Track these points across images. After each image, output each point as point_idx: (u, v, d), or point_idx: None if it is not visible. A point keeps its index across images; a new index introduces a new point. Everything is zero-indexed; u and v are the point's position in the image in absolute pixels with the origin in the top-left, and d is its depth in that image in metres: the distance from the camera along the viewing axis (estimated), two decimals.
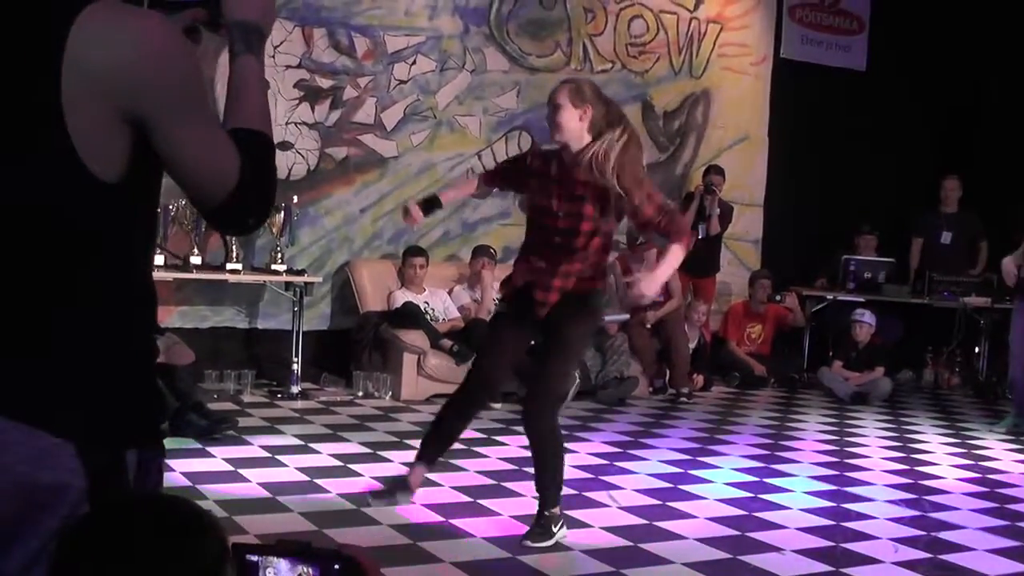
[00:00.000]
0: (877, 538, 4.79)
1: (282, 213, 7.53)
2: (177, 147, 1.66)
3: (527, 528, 4.38)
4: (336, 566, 1.68)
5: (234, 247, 7.42)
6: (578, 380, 7.48)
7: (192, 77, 1.66)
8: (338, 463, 5.63)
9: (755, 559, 4.36)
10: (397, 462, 5.68)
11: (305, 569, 1.69)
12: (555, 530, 4.30)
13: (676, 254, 4.12)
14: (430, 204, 4.58)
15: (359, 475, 5.39)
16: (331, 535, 4.30)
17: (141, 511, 1.52)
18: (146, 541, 1.46)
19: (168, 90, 1.63)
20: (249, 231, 1.81)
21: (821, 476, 5.98)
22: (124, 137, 1.64)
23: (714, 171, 9.40)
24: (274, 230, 7.57)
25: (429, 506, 4.84)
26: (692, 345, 8.82)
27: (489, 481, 5.40)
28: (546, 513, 4.29)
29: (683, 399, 8.32)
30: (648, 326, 8.52)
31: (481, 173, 4.58)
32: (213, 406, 6.41)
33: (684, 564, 4.23)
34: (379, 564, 1.77)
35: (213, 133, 1.69)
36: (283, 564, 1.69)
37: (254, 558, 1.69)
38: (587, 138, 4.08)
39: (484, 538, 4.40)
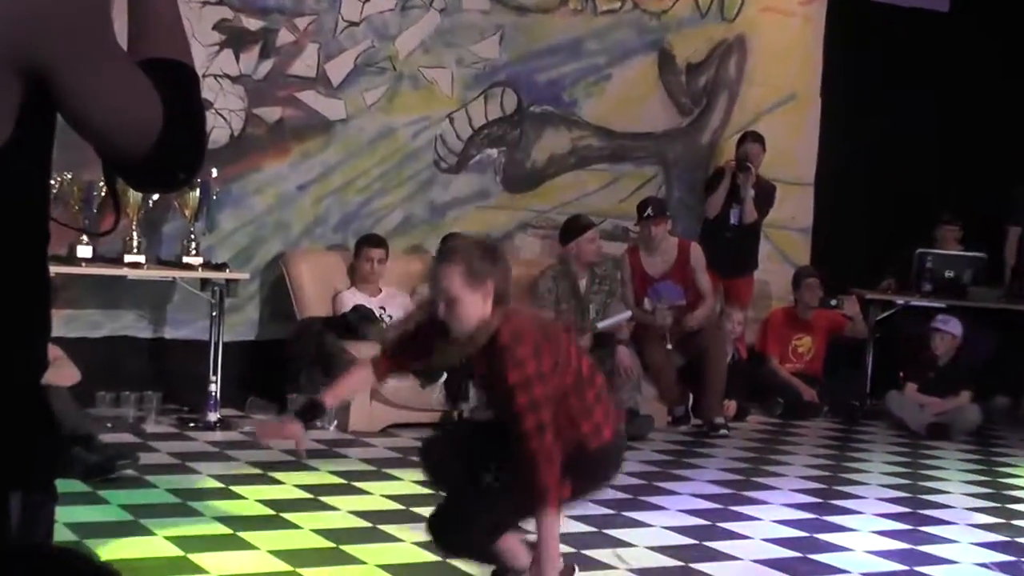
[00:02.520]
0: None
1: (197, 191, 7.51)
2: (86, 98, 1.66)
3: None
4: None
5: (135, 233, 7.40)
6: None
7: (97, 7, 1.65)
8: (269, 511, 5.61)
9: None
10: (344, 511, 5.67)
11: None
12: None
13: (547, 526, 3.98)
14: (311, 411, 4.34)
15: (296, 527, 5.37)
16: None
17: (25, 567, 1.51)
18: None
19: (70, 30, 1.62)
20: (178, 187, 1.83)
21: (888, 531, 5.98)
22: (13, 93, 1.63)
23: (751, 140, 9.42)
24: (187, 212, 7.56)
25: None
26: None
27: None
28: None
29: (719, 432, 8.32)
30: (668, 345, 8.52)
31: (374, 356, 4.47)
32: (107, 438, 6.39)
33: None
34: None
35: (127, 74, 1.69)
36: None
37: None
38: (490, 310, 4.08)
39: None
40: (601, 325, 8.30)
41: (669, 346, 8.59)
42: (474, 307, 4.01)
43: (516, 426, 3.93)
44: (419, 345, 4.27)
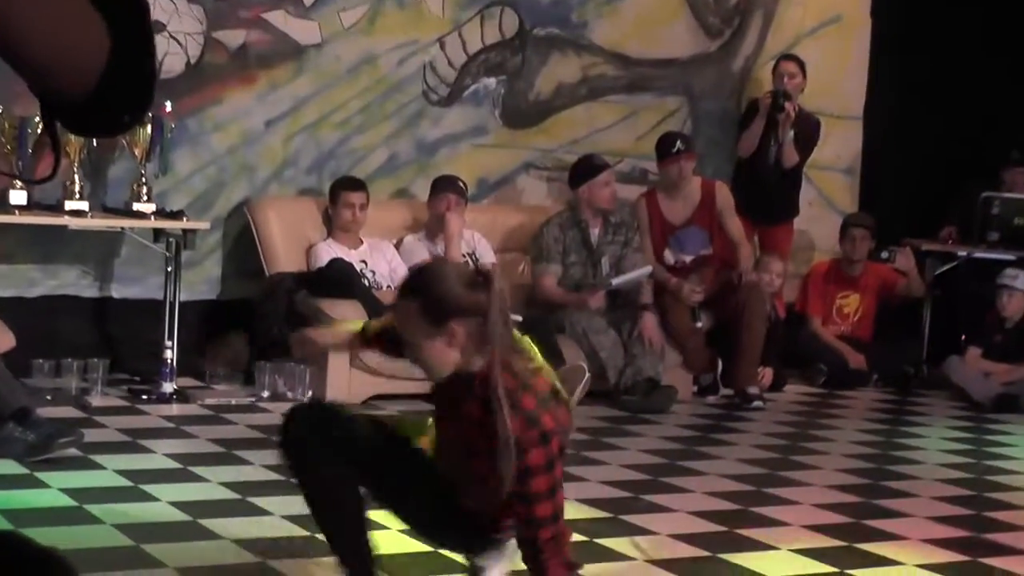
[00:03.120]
0: None
1: (148, 128, 7.49)
2: (16, 23, 1.64)
3: None
4: None
5: (76, 177, 7.39)
6: (588, 375, 7.50)
7: None
8: (234, 496, 5.63)
9: None
10: None
11: None
12: None
13: None
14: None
15: (266, 512, 5.39)
16: None
17: None
18: None
19: None
20: (123, 131, 1.81)
21: (948, 517, 5.99)
22: None
23: (790, 65, 9.38)
24: (136, 153, 7.55)
25: None
26: None
27: None
28: None
29: (753, 403, 8.34)
30: (698, 324, 8.52)
31: (356, 332, 4.40)
32: (45, 412, 6.38)
33: None
34: None
35: None
36: None
37: None
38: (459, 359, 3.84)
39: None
40: (616, 282, 8.30)
41: (699, 324, 8.60)
42: (438, 351, 3.80)
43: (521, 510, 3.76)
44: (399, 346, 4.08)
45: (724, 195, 8.82)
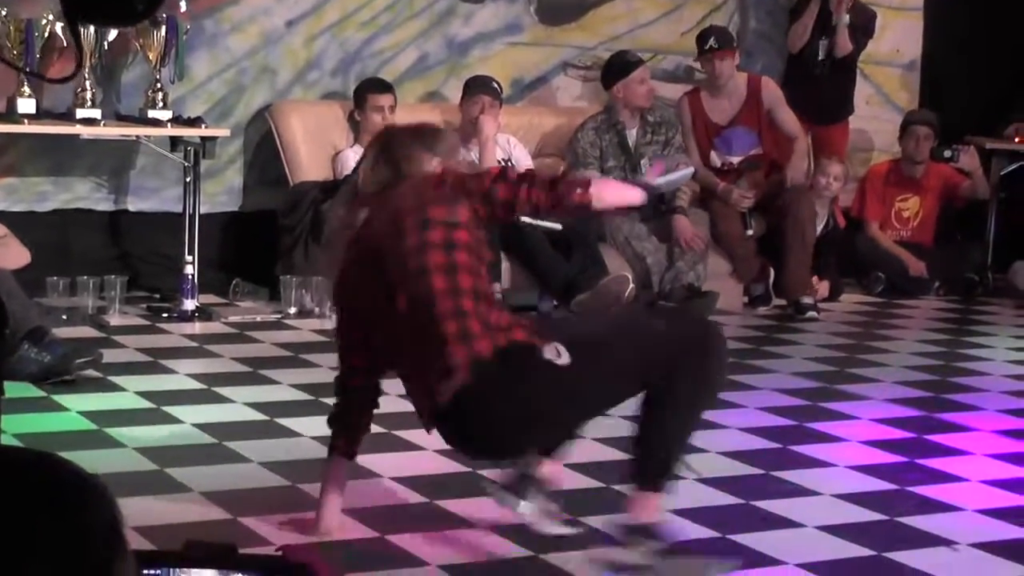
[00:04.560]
0: None
1: (163, 30, 7.48)
2: None
3: None
4: None
5: (88, 83, 7.39)
6: (632, 285, 7.51)
7: None
8: (260, 416, 5.67)
9: (913, 557, 4.39)
10: None
11: None
12: None
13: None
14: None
15: (295, 434, 5.42)
16: (250, 525, 4.33)
17: None
18: None
19: None
20: (136, 20, 1.81)
21: (1015, 431, 5.99)
22: None
23: None
24: (151, 56, 7.54)
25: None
26: (817, 231, 8.81)
27: None
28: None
29: (807, 314, 8.34)
30: (749, 231, 8.50)
31: (339, 375, 4.50)
32: (61, 332, 6.41)
33: (799, 565, 4.27)
34: (341, 570, 1.81)
35: None
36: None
37: (155, 572, 1.73)
38: None
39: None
40: (656, 182, 8.26)
41: (750, 232, 8.58)
42: None
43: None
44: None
45: (771, 90, 8.78)
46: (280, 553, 1.84)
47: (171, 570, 1.75)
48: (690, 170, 8.37)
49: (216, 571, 1.74)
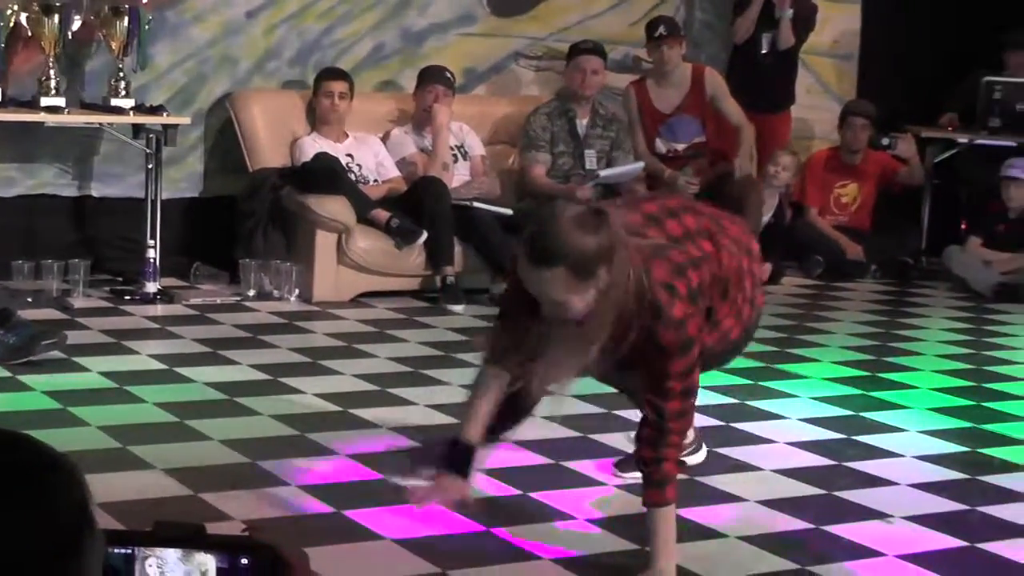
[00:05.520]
0: None
1: (126, 20, 7.45)
2: None
3: None
4: (244, 560, 1.76)
5: (52, 71, 7.34)
6: None
7: None
8: (221, 396, 5.65)
9: (849, 530, 4.42)
10: (309, 393, 5.71)
11: (204, 562, 1.76)
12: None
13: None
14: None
15: (254, 413, 5.42)
16: (210, 501, 4.34)
17: None
18: None
19: None
20: None
21: (947, 408, 6.03)
22: None
23: None
24: (114, 46, 7.50)
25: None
26: (764, 218, 8.84)
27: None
28: None
29: None
30: (692, 190, 8.51)
31: (485, 356, 4.14)
32: (26, 314, 6.37)
33: (740, 538, 4.29)
34: (306, 555, 1.82)
35: None
36: (170, 555, 1.76)
37: (123, 551, 1.75)
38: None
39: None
40: (605, 174, 8.29)
41: None
42: (583, 303, 3.71)
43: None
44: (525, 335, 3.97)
45: (714, 80, 8.80)
46: (247, 533, 1.85)
47: (141, 549, 1.76)
48: (639, 165, 8.45)
49: (185, 550, 1.75)
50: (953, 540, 4.39)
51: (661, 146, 8.75)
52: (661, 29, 8.62)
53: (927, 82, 10.02)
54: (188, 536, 1.78)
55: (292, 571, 1.78)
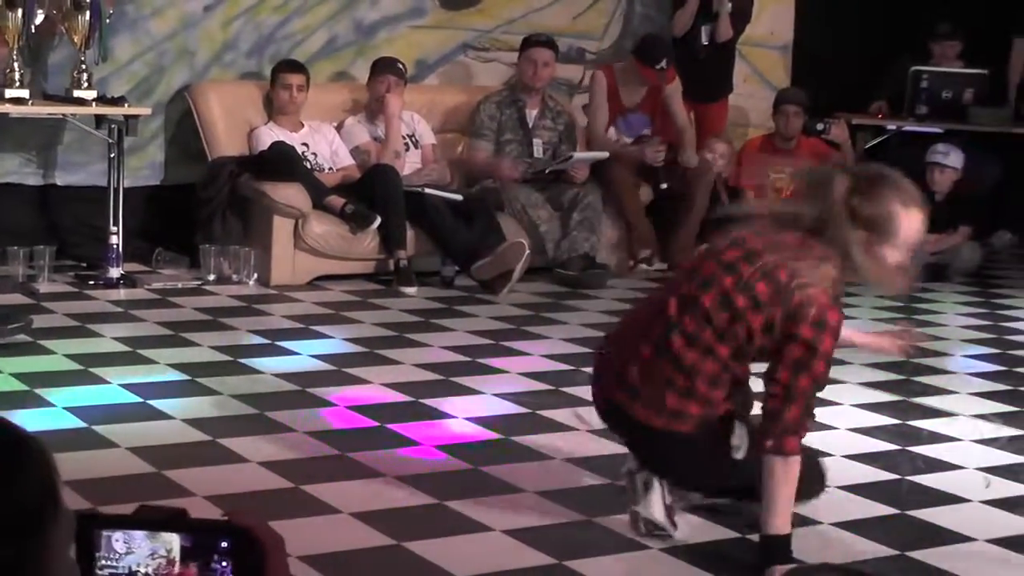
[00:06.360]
0: (960, 468, 4.92)
1: (87, 14, 7.42)
2: None
3: None
4: (224, 543, 1.77)
5: (16, 64, 7.30)
6: (528, 252, 7.55)
7: None
8: (183, 376, 5.65)
9: None
10: (268, 373, 5.72)
11: (172, 543, 1.77)
12: None
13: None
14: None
15: (215, 392, 5.42)
16: (173, 478, 4.35)
17: None
18: None
19: None
20: None
21: (877, 383, 6.10)
22: None
23: None
24: (75, 39, 7.46)
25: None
26: None
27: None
28: None
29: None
30: (663, 185, 8.51)
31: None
32: None
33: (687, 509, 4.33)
34: (281, 538, 1.84)
35: None
36: (137, 532, 1.77)
37: (109, 534, 1.78)
38: None
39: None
40: (578, 156, 8.31)
41: (664, 185, 8.61)
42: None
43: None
44: None
45: (673, 82, 8.77)
46: (226, 518, 1.86)
47: (124, 532, 1.77)
48: (606, 153, 8.45)
49: (167, 533, 1.76)
50: (884, 507, 4.45)
51: (613, 134, 8.76)
52: (664, 63, 8.57)
53: (858, 72, 10.07)
54: (170, 520, 1.79)
55: (267, 553, 1.80)
